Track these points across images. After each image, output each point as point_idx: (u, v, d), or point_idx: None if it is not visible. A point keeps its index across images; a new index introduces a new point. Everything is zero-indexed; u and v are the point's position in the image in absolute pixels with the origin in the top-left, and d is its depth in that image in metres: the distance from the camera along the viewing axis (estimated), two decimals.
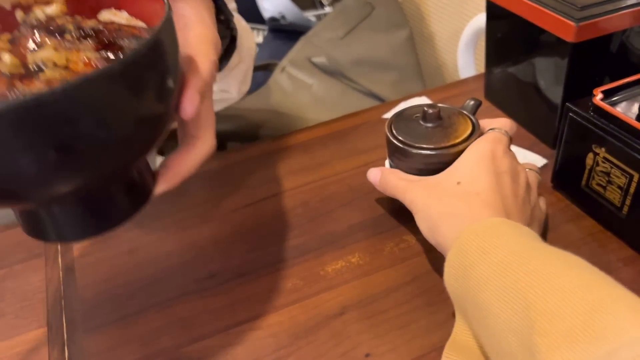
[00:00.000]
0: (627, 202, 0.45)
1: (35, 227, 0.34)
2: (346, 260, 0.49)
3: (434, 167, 0.45)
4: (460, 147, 0.45)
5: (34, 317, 0.47)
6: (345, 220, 0.53)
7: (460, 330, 0.37)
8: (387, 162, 0.52)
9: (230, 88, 0.58)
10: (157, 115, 0.32)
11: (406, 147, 0.46)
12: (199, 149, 0.37)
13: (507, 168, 0.42)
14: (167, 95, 0.32)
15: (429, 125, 0.47)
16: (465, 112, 0.49)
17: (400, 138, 0.47)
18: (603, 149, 0.46)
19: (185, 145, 0.37)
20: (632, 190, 0.44)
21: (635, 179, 0.43)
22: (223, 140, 1.00)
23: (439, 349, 0.41)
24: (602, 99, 0.46)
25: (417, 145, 0.46)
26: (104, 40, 0.33)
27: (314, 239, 0.51)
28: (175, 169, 0.36)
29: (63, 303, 0.48)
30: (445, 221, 0.40)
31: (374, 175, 0.50)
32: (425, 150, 0.46)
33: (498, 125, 0.46)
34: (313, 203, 0.55)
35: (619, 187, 0.45)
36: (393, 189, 0.47)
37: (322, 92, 1.03)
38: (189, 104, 0.33)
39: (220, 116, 1.00)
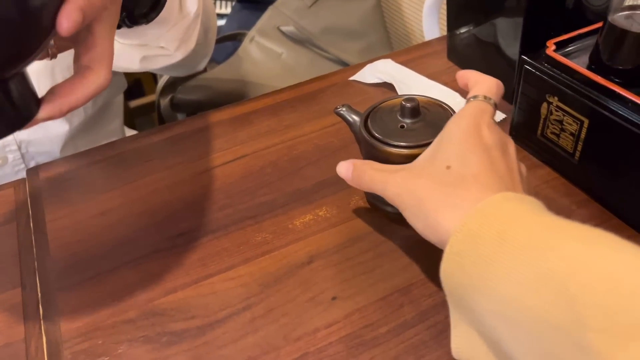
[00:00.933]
0: (579, 147, 0.47)
1: None
2: (314, 214, 0.50)
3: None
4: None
5: (7, 278, 0.48)
6: (313, 178, 0.54)
7: (460, 333, 0.33)
8: None
9: (169, 45, 0.57)
10: (24, 22, 0.31)
11: (383, 145, 0.43)
12: (91, 81, 0.36)
13: (494, 141, 0.37)
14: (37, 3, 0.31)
15: (407, 120, 0.45)
16: (443, 103, 0.47)
17: (377, 135, 0.44)
18: (556, 98, 0.47)
19: (77, 76, 0.36)
20: (582, 136, 0.46)
21: (586, 124, 0.45)
22: (194, 110, 1.01)
23: (401, 290, 0.43)
24: (554, 50, 0.48)
25: (395, 143, 0.43)
26: None
27: (282, 196, 0.53)
28: (62, 98, 0.35)
29: (36, 264, 0.49)
30: (447, 214, 0.34)
31: (346, 168, 0.43)
32: (404, 149, 0.43)
33: (481, 90, 0.41)
34: (281, 163, 0.57)
35: (571, 133, 0.47)
36: (369, 183, 0.41)
37: (291, 60, 1.03)
38: (66, 19, 0.32)
39: (190, 86, 1.01)
